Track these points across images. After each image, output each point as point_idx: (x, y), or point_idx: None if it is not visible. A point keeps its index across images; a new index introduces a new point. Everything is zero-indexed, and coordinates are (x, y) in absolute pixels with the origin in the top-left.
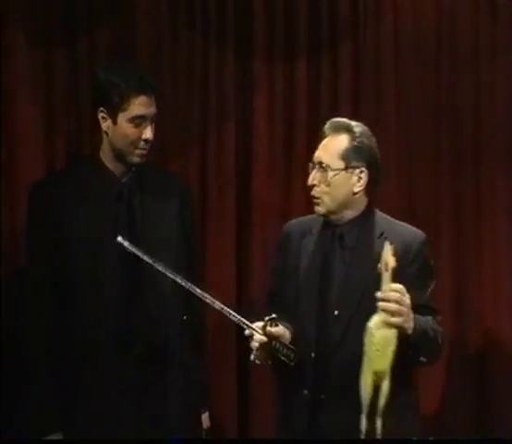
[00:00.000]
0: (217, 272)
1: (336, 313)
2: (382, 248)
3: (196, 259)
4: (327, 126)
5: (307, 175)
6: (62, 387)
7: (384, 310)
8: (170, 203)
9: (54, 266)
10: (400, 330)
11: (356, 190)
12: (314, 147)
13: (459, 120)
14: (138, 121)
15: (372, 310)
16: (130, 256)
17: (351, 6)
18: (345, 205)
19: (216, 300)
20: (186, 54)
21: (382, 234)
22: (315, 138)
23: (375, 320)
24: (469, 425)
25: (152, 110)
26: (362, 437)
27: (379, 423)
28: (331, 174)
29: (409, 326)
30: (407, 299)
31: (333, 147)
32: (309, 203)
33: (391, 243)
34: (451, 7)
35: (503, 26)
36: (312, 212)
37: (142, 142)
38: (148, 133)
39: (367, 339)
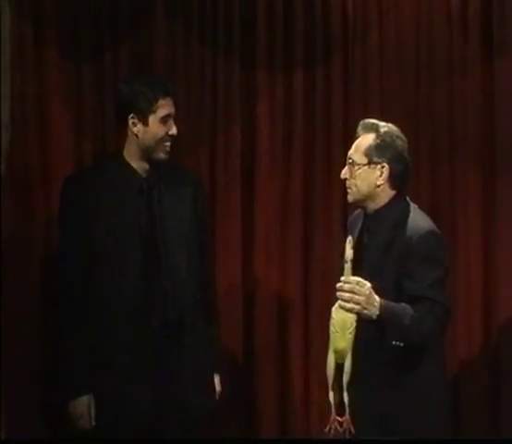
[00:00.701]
0: (224, 257)
1: None
2: (390, 239)
3: (207, 244)
4: (359, 127)
5: (303, 172)
6: (90, 354)
7: (340, 298)
8: (184, 194)
9: (81, 250)
10: (363, 316)
11: (378, 183)
12: (310, 148)
13: (436, 124)
14: (165, 119)
15: (378, 292)
16: (148, 243)
17: (342, 25)
18: (369, 196)
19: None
20: (197, 66)
21: (396, 225)
22: (311, 139)
23: (336, 305)
24: None
25: (173, 109)
26: (333, 409)
27: (346, 397)
28: (356, 168)
29: (372, 312)
30: (364, 289)
31: (360, 145)
32: (305, 197)
33: (398, 237)
34: (428, 26)
35: (473, 42)
36: (308, 206)
37: (169, 138)
38: (174, 129)
39: (330, 322)
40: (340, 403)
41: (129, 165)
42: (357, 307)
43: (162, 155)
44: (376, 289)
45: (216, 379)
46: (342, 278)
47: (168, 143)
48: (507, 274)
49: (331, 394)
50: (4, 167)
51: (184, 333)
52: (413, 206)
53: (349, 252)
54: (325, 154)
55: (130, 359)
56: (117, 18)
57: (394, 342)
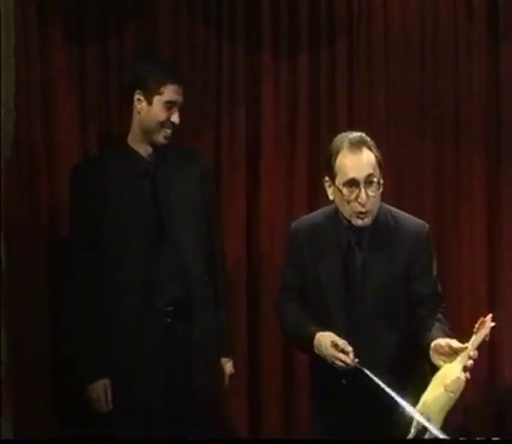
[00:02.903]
0: (229, 240)
1: (362, 311)
2: (391, 243)
3: (215, 227)
4: (346, 143)
5: (307, 154)
6: (104, 339)
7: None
8: (191, 176)
9: (91, 237)
10: None
11: (381, 189)
12: (315, 130)
13: (441, 105)
14: (169, 105)
15: (393, 302)
16: (154, 226)
17: (346, 7)
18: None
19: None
20: (202, 48)
21: (390, 231)
22: (316, 122)
23: (461, 374)
24: None
25: (181, 98)
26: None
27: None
28: (379, 185)
29: None
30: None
31: (368, 161)
32: (309, 179)
33: (399, 241)
34: (434, 8)
35: (478, 24)
36: (312, 189)
37: (170, 124)
38: (175, 117)
39: (456, 388)
40: None
41: (132, 149)
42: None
43: (161, 140)
44: (388, 301)
45: (229, 363)
46: (471, 352)
47: (169, 130)
48: None
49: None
50: (9, 152)
51: (192, 315)
52: (387, 206)
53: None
54: (330, 136)
55: (139, 342)
56: (121, 0)
57: None
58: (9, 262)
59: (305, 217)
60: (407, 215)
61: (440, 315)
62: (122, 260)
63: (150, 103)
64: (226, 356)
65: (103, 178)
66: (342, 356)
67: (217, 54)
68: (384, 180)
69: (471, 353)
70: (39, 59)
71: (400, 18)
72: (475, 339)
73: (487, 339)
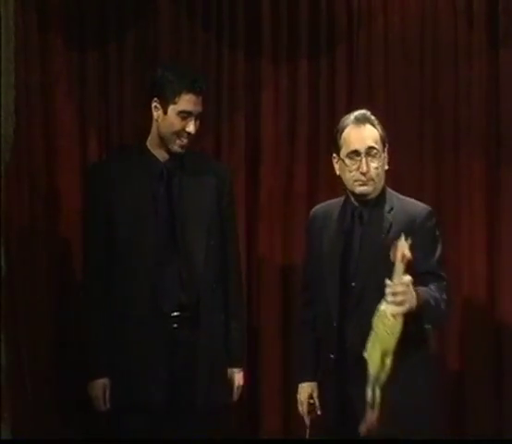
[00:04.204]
0: None
1: (353, 284)
2: (389, 222)
3: (231, 238)
4: (351, 119)
5: (307, 160)
6: (109, 338)
7: (393, 301)
8: (207, 184)
9: (104, 237)
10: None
11: (386, 167)
12: (314, 136)
13: (440, 111)
14: (184, 115)
15: (383, 279)
16: (165, 230)
17: (346, 13)
18: (382, 183)
19: None
20: (202, 54)
21: (391, 209)
22: (315, 128)
23: (386, 307)
24: None
25: (197, 108)
26: (368, 406)
27: (378, 393)
28: (378, 157)
29: (413, 305)
30: (411, 288)
31: (371, 135)
32: (309, 184)
33: (398, 219)
34: (433, 13)
35: (478, 29)
36: (311, 193)
37: (185, 134)
38: (191, 127)
39: (379, 322)
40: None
41: (150, 152)
42: (407, 307)
43: (177, 148)
44: (383, 277)
45: (239, 374)
46: (395, 280)
47: (184, 139)
48: (511, 261)
49: (369, 392)
50: (9, 156)
51: (199, 322)
52: (396, 193)
53: (408, 253)
54: (329, 141)
55: (144, 344)
56: (122, 5)
57: (426, 326)
58: (9, 266)
59: (323, 204)
60: (414, 200)
61: (436, 293)
62: (131, 261)
63: (165, 112)
64: (236, 367)
65: (118, 179)
66: (305, 410)
67: (217, 59)
68: (386, 182)
69: (389, 289)
70: (39, 63)
71: (400, 23)
72: (396, 268)
73: (409, 256)
